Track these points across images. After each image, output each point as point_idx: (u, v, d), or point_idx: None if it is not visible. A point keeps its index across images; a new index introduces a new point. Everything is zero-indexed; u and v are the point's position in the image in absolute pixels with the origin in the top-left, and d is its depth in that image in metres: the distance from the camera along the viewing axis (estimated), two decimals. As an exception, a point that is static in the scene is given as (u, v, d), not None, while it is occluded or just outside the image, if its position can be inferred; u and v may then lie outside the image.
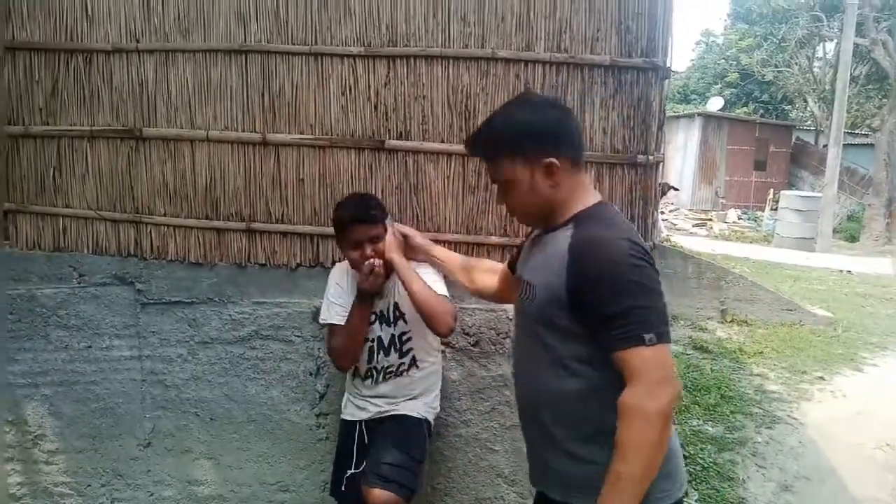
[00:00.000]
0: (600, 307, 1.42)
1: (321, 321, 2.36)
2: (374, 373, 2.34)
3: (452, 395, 2.62)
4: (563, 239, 1.52)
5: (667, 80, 2.50)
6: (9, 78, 2.66)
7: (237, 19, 2.55)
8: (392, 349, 2.32)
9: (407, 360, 2.34)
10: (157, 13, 2.59)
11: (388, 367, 2.32)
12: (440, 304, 2.19)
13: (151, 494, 2.81)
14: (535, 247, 1.69)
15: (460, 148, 2.50)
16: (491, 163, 1.66)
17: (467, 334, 2.62)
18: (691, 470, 3.49)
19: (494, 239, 2.58)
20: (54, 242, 2.74)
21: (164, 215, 2.68)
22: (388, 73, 2.54)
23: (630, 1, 2.41)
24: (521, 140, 1.56)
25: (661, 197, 8.59)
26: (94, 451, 2.81)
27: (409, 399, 2.35)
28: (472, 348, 2.62)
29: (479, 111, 2.51)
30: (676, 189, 13.13)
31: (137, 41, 2.60)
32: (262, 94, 2.59)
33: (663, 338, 1.39)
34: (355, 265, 2.22)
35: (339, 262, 2.43)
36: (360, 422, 2.37)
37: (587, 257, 1.46)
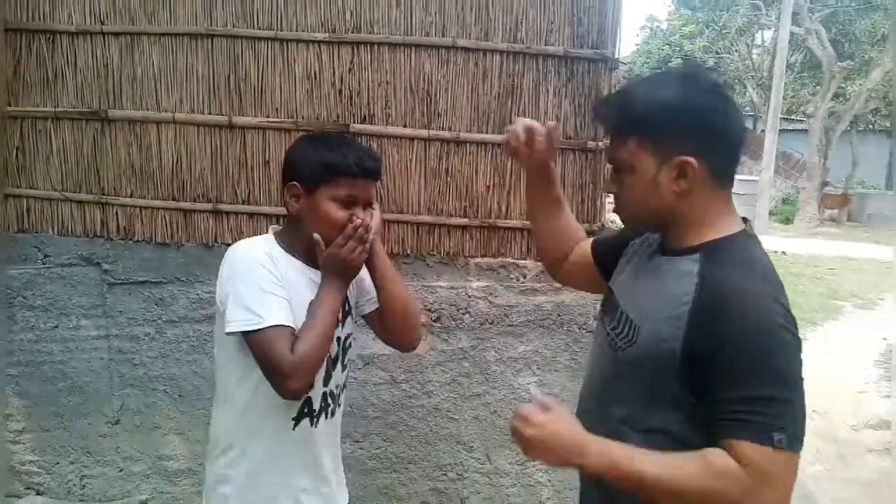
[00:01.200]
0: (728, 386, 1.14)
1: (253, 325, 1.44)
2: (313, 407, 1.62)
3: (415, 368, 2.76)
4: (687, 274, 1.23)
5: (616, 70, 2.66)
6: (-32, 58, 2.66)
7: (203, 3, 2.60)
8: (339, 360, 1.69)
9: (344, 378, 1.74)
10: (121, -5, 2.62)
11: (333, 393, 1.68)
12: (415, 305, 1.78)
13: (121, 470, 2.87)
14: (643, 268, 1.38)
15: (423, 132, 2.64)
16: (614, 138, 1.33)
17: (430, 310, 2.75)
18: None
19: (455, 220, 2.71)
20: (18, 223, 2.76)
21: (131, 196, 2.72)
22: (353, 59, 2.63)
23: (582, -5, 2.57)
24: (660, 123, 1.23)
25: (609, 180, 8.98)
26: (63, 429, 2.85)
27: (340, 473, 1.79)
28: (434, 323, 2.76)
29: (440, 97, 2.63)
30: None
31: (102, 23, 2.62)
32: (228, 78, 2.65)
33: (794, 445, 1.11)
34: (332, 229, 1.54)
35: (250, 242, 1.67)
36: None
37: (726, 316, 1.14)
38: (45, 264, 2.76)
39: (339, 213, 1.53)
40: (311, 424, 1.61)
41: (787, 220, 19.76)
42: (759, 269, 1.22)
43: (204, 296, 2.75)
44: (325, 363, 1.57)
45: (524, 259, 2.73)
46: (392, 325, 1.71)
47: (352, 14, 2.59)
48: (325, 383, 1.64)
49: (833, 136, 19.53)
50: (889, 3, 17.19)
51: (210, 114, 2.66)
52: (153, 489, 2.87)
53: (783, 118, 24.27)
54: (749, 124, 24.72)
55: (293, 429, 1.59)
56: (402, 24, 2.60)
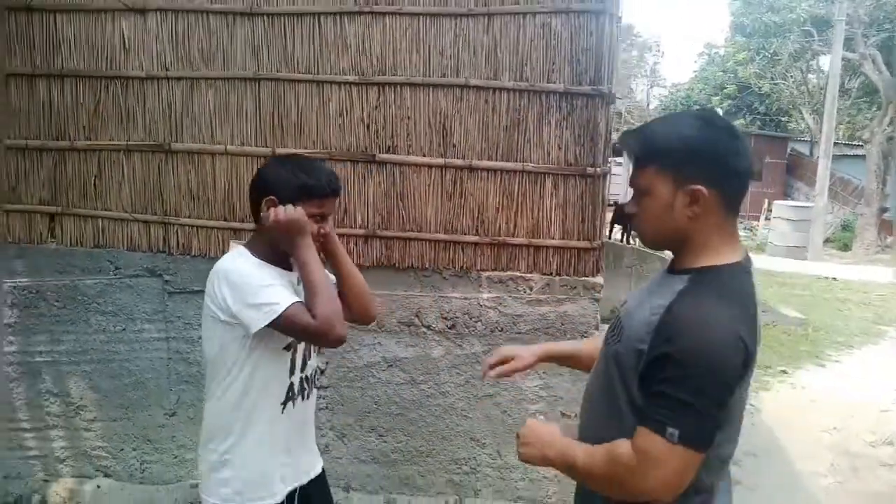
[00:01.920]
0: (659, 384, 1.33)
1: (274, 313, 1.68)
2: (294, 391, 1.91)
3: (433, 370, 3.08)
4: (673, 291, 1.39)
5: (612, 105, 2.96)
6: (57, 101, 3.14)
7: (252, 52, 3.03)
8: (313, 349, 1.98)
9: (318, 362, 2.06)
10: (183, 46, 3.06)
11: (309, 377, 1.97)
12: (367, 287, 2.02)
13: (176, 457, 3.26)
14: (652, 283, 1.58)
15: (439, 160, 2.99)
16: (638, 165, 1.49)
17: (445, 318, 3.07)
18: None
19: (469, 238, 3.04)
20: (94, 240, 3.21)
21: (189, 217, 3.14)
22: (379, 97, 3.00)
23: (580, 38, 2.88)
24: (678, 154, 1.40)
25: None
26: (127, 419, 3.26)
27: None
28: (449, 330, 3.08)
29: (454, 129, 2.98)
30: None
31: (167, 69, 3.07)
32: (272, 115, 3.06)
33: (689, 443, 1.29)
34: (294, 219, 1.75)
35: (228, 257, 1.87)
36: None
37: (682, 333, 1.32)
38: (115, 275, 3.20)
39: (312, 227, 1.78)
40: (293, 406, 1.89)
41: (846, 247, 19.30)
42: (736, 299, 1.37)
43: (249, 304, 3.14)
44: (301, 352, 1.89)
45: (530, 273, 3.03)
46: (353, 303, 1.95)
47: (378, 59, 2.98)
48: (303, 369, 1.92)
49: (891, 161, 19.05)
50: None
51: (257, 146, 3.07)
52: (203, 475, 3.25)
53: (842, 144, 23.86)
54: (805, 150, 24.35)
55: (282, 412, 1.85)
56: (420, 67, 2.96)
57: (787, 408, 4.90)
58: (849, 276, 12.72)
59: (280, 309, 1.68)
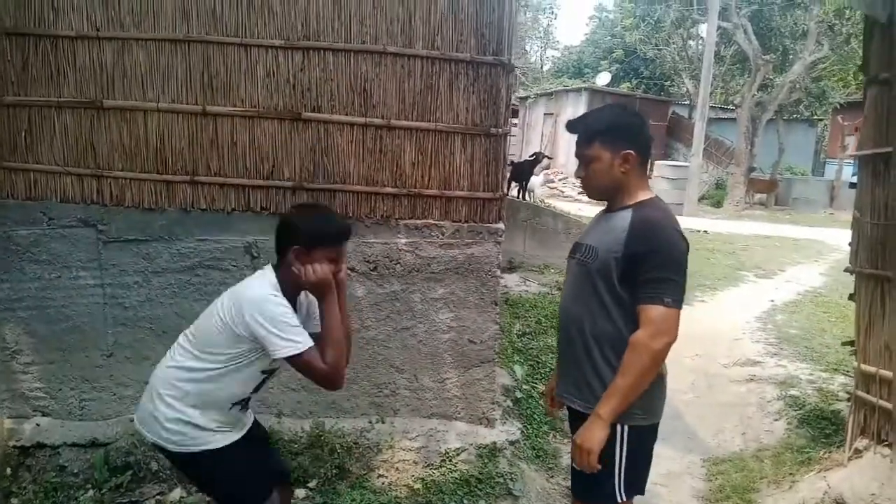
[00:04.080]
0: (646, 271, 1.99)
1: (296, 350, 2.07)
2: (244, 403, 2.38)
3: (356, 308, 3.45)
4: (625, 217, 2.08)
5: (511, 73, 3.39)
6: (-17, 56, 3.22)
7: (182, 15, 3.22)
8: (271, 375, 2.39)
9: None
10: (113, 7, 3.20)
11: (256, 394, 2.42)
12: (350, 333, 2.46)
13: (115, 394, 3.50)
14: (598, 222, 2.28)
15: (360, 119, 3.32)
16: (585, 142, 2.18)
17: (368, 262, 3.45)
18: (543, 371, 4.52)
19: (388, 189, 3.41)
20: (26, 192, 3.34)
21: (122, 170, 3.33)
22: (304, 61, 3.29)
23: (484, 14, 3.27)
24: (613, 132, 2.13)
25: (538, 164, 9.72)
26: (65, 361, 3.45)
27: None
28: (371, 272, 3.46)
29: (374, 92, 3.32)
30: (550, 157, 14.47)
31: (98, 30, 3.22)
32: (203, 75, 3.27)
33: (677, 304, 1.98)
34: (324, 278, 2.16)
35: (261, 285, 2.19)
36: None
37: (645, 234, 2.02)
38: (49, 226, 3.35)
39: (325, 268, 2.16)
40: (238, 409, 2.35)
41: (718, 204, 21.01)
42: (668, 212, 2.14)
43: (183, 251, 3.39)
44: (262, 378, 2.31)
45: (442, 220, 3.45)
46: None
47: (302, 25, 3.25)
48: (256, 391, 2.36)
49: (759, 124, 20.77)
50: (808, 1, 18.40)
51: (188, 104, 3.29)
52: (142, 410, 3.51)
53: (718, 108, 25.60)
54: (685, 113, 25.95)
55: (228, 409, 2.30)
56: (342, 34, 3.27)
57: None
58: (719, 230, 14.03)
59: (301, 349, 2.08)
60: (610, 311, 2.10)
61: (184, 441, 2.24)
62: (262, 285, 2.18)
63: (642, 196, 2.16)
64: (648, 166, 2.20)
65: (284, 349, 2.07)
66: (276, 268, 2.25)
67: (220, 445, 2.28)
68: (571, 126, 2.25)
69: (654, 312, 1.98)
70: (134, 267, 3.40)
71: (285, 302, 2.14)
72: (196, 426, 2.23)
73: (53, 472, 3.34)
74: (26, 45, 3.23)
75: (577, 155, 2.23)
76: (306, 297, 2.35)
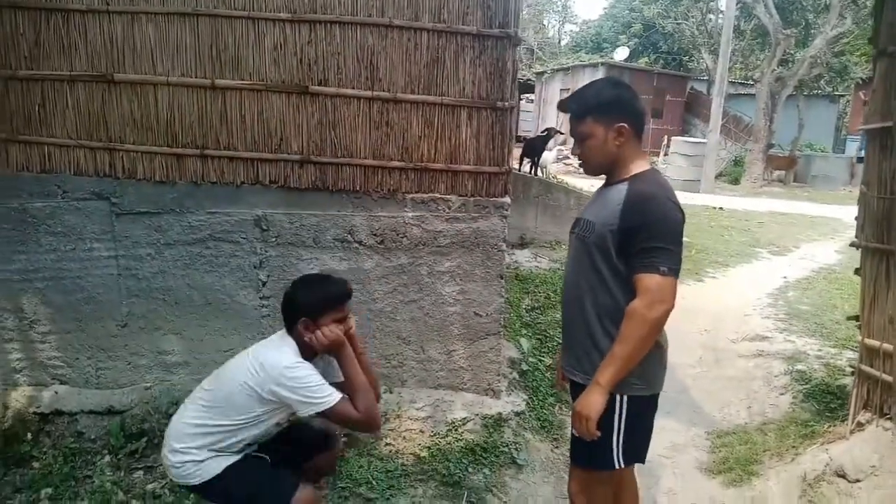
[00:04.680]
0: (641, 242, 2.01)
1: (326, 406, 2.25)
2: (252, 448, 2.52)
3: (365, 280, 3.51)
4: (620, 191, 2.10)
5: (517, 46, 3.39)
6: (-4, 31, 3.27)
7: (190, -12, 3.25)
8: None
9: None
10: (123, -19, 3.25)
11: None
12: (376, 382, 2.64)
13: (129, 363, 3.59)
14: (597, 196, 2.30)
15: (367, 93, 3.34)
16: (578, 120, 2.20)
17: (375, 235, 3.50)
18: (550, 345, 4.56)
19: (394, 163, 3.44)
20: (41, 166, 3.41)
21: (133, 143, 3.38)
22: (310, 34, 3.30)
23: (491, -15, 3.27)
24: (604, 107, 2.14)
25: (551, 139, 9.67)
26: (81, 331, 3.55)
27: None
28: (378, 245, 3.51)
29: (380, 65, 3.34)
30: (562, 133, 14.38)
31: (108, 4, 3.25)
32: (211, 49, 3.31)
33: (673, 273, 2.01)
34: (336, 339, 2.35)
35: (281, 351, 2.36)
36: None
37: (639, 206, 2.04)
38: (64, 199, 3.42)
39: (335, 329, 2.35)
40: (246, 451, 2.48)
41: (736, 181, 20.79)
42: (663, 184, 2.15)
43: (194, 223, 3.45)
44: (276, 431, 2.46)
45: (449, 194, 3.48)
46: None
47: (309, -1, 3.27)
48: (265, 438, 2.49)
49: (779, 100, 20.43)
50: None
51: (196, 77, 3.33)
52: (155, 378, 3.60)
53: (737, 83, 25.24)
54: (703, 89, 25.61)
55: (240, 452, 2.44)
56: (349, 6, 3.28)
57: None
58: (735, 206, 13.92)
59: (331, 403, 2.26)
60: (608, 284, 2.13)
61: (195, 473, 2.38)
62: (285, 354, 2.33)
63: (638, 168, 2.17)
64: (643, 137, 2.22)
65: (315, 408, 2.26)
66: (290, 331, 2.42)
67: (226, 465, 2.40)
68: (563, 105, 2.27)
69: (650, 281, 2.01)
70: (146, 239, 3.47)
71: (308, 365, 2.31)
72: (204, 461, 2.38)
73: (72, 437, 3.44)
74: (39, 18, 3.27)
75: (572, 133, 2.26)
76: None
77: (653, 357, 2.14)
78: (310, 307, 2.36)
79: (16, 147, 3.39)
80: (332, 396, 2.25)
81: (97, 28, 3.28)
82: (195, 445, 2.36)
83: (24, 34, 3.28)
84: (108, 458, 3.36)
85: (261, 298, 3.55)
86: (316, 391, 2.25)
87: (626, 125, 2.14)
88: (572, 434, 2.28)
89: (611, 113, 2.14)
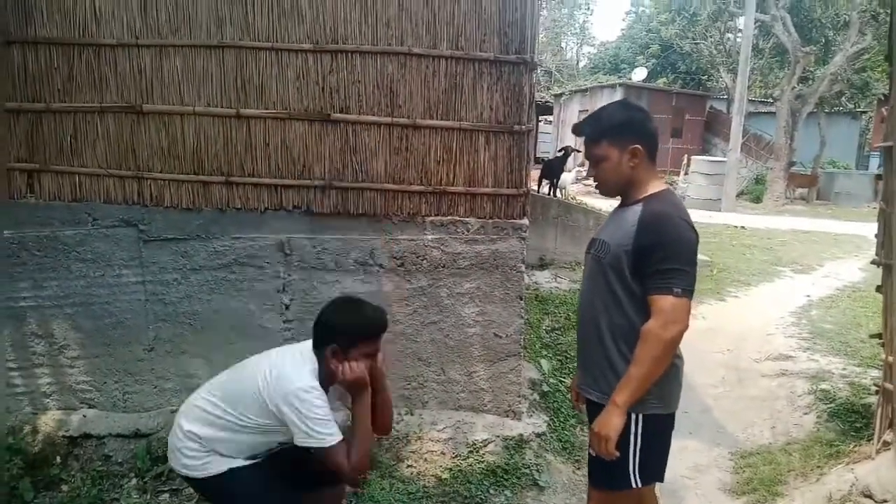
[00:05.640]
0: (655, 263, 2.03)
1: (323, 444, 2.20)
2: (261, 456, 2.50)
3: (385, 302, 3.54)
4: (635, 212, 2.14)
5: (534, 71, 3.45)
6: (31, 66, 3.40)
7: (216, 21, 3.35)
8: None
9: None
10: (151, 16, 3.36)
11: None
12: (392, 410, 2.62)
13: (155, 387, 3.66)
14: (613, 217, 2.34)
15: (387, 119, 3.42)
16: (592, 143, 2.25)
17: (395, 258, 3.55)
18: (570, 366, 4.56)
19: (414, 187, 3.50)
20: (72, 194, 3.52)
21: (161, 172, 3.48)
22: (332, 63, 3.40)
23: (507, 13, 3.34)
24: (617, 129, 2.19)
25: (568, 157, 9.72)
26: (109, 356, 3.62)
27: None
28: (398, 268, 3.56)
29: (400, 92, 3.41)
30: (578, 151, 14.40)
31: (137, 38, 3.37)
32: (236, 79, 3.40)
33: (687, 294, 2.04)
34: (360, 378, 2.30)
35: (300, 376, 2.29)
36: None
37: (654, 227, 2.07)
38: (93, 226, 3.52)
39: (361, 363, 2.31)
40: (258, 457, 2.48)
41: (758, 199, 20.64)
42: (677, 204, 2.19)
43: (219, 248, 3.52)
44: (278, 448, 2.44)
45: (468, 217, 3.53)
46: (378, 418, 2.47)
47: (330, 29, 3.36)
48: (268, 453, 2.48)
49: (799, 117, 20.32)
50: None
51: (222, 107, 3.42)
52: (180, 401, 3.60)
53: (757, 101, 25.16)
54: (723, 107, 25.55)
55: (244, 457, 2.43)
56: (369, 37, 3.37)
57: (689, 334, 5.60)
58: (757, 225, 13.81)
59: (326, 444, 2.20)
60: (623, 305, 2.15)
61: (199, 465, 2.39)
62: (303, 375, 2.28)
63: (653, 189, 2.21)
64: (656, 157, 2.27)
65: (312, 441, 2.20)
66: (315, 348, 2.38)
67: (230, 467, 2.40)
68: (577, 129, 2.32)
69: (664, 302, 2.03)
70: (173, 265, 3.55)
71: (322, 396, 2.25)
72: (210, 452, 2.39)
73: (99, 461, 3.50)
74: (72, 53, 3.39)
75: (587, 156, 2.30)
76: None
77: (669, 375, 2.16)
78: (344, 336, 2.30)
79: (48, 177, 3.50)
80: (333, 437, 2.20)
81: (127, 61, 3.39)
82: (201, 433, 2.37)
83: (58, 68, 3.41)
84: (134, 480, 3.41)
85: (284, 322, 3.60)
86: (319, 425, 2.19)
87: (639, 147, 2.17)
88: (589, 455, 2.29)
89: (624, 135, 2.19)
